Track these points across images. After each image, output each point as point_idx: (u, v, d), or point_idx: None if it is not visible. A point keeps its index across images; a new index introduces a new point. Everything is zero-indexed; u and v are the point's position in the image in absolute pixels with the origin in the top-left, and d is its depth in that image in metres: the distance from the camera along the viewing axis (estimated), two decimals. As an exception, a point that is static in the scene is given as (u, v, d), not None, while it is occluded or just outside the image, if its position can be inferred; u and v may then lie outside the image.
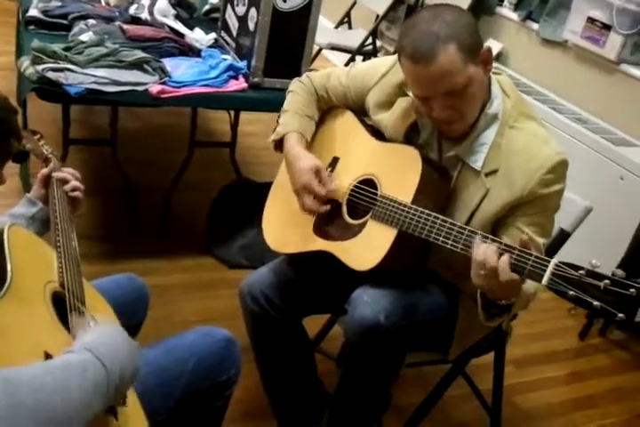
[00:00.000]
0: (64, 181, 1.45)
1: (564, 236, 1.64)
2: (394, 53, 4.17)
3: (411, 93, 1.50)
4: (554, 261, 1.14)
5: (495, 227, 1.47)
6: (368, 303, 1.46)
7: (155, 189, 2.87)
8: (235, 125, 3.04)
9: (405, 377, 1.91)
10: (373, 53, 4.26)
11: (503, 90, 1.47)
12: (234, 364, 1.37)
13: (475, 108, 1.42)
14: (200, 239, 2.73)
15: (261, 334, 1.76)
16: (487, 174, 1.44)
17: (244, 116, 3.13)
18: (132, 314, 1.44)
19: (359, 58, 4.33)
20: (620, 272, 1.05)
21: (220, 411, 1.41)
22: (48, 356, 0.93)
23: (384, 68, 1.61)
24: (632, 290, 1.05)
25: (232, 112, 3.02)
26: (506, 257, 1.23)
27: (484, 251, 1.26)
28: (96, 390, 0.84)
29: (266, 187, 2.66)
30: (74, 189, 1.46)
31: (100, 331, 0.96)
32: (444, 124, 1.44)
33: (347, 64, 4.24)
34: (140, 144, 3.31)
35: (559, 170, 1.42)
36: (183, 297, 2.41)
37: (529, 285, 1.32)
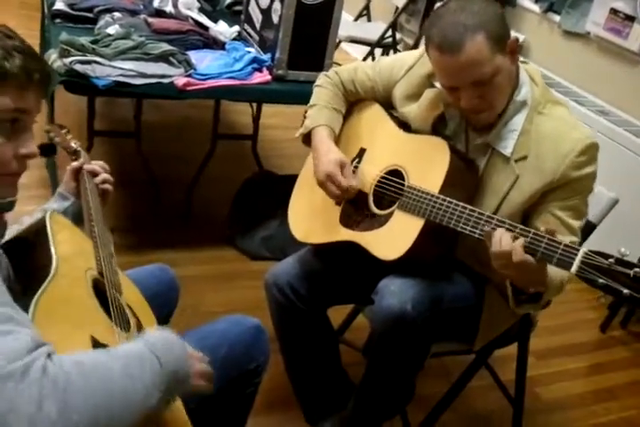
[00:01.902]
0: (94, 174, 1.47)
1: (590, 227, 1.64)
2: (414, 46, 4.17)
3: (438, 84, 1.51)
4: (583, 249, 1.15)
5: (528, 214, 1.48)
6: (395, 293, 1.47)
7: (177, 182, 2.90)
8: (257, 118, 3.06)
9: (427, 367, 1.92)
10: (393, 46, 4.26)
11: (531, 78, 1.48)
12: (263, 352, 1.40)
13: (503, 97, 1.43)
14: (222, 231, 2.76)
15: (287, 324, 1.78)
16: (517, 160, 1.45)
17: (264, 108, 3.16)
18: (163, 304, 1.47)
19: (378, 51, 4.33)
20: (650, 261, 1.06)
21: (250, 398, 1.43)
22: (95, 340, 0.96)
23: (411, 61, 1.62)
24: (662, 279, 1.06)
25: (254, 105, 3.04)
26: (520, 240, 1.24)
27: (499, 236, 1.27)
28: (153, 382, 0.86)
29: (287, 179, 2.68)
30: (104, 182, 1.48)
31: (158, 332, 0.98)
32: (471, 114, 1.45)
33: (366, 57, 4.25)
34: (163, 137, 3.33)
35: (590, 152, 1.42)
36: (206, 288, 2.44)
37: (556, 273, 1.33)
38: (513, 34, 1.40)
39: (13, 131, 0.97)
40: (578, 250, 1.16)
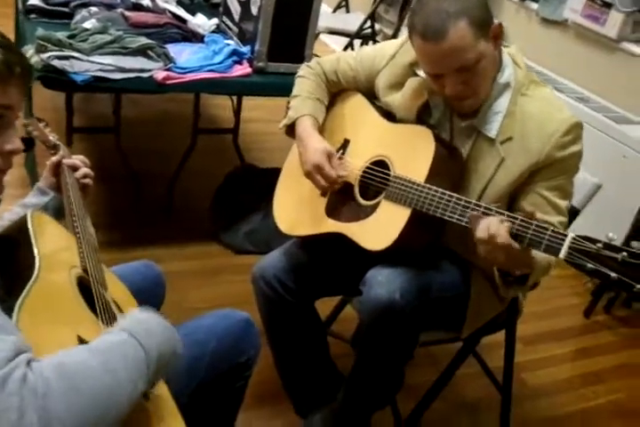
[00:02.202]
0: (74, 168, 1.45)
1: (573, 212, 1.65)
2: (393, 36, 4.17)
3: (421, 73, 1.51)
4: (571, 234, 1.16)
5: (515, 195, 1.48)
6: (383, 283, 1.47)
7: (158, 177, 2.87)
8: (238, 111, 3.04)
9: (415, 356, 1.92)
10: (372, 37, 4.26)
11: (514, 60, 1.49)
12: (253, 345, 1.39)
13: (487, 83, 1.43)
14: (205, 226, 2.74)
15: (275, 317, 1.78)
16: (502, 142, 1.45)
17: (244, 102, 3.14)
18: (149, 301, 1.44)
19: (357, 42, 4.32)
20: (637, 244, 1.07)
21: (240, 392, 1.42)
22: (81, 340, 0.94)
23: (392, 50, 1.61)
24: (650, 262, 1.07)
25: (234, 98, 3.02)
26: (505, 224, 1.25)
27: (486, 221, 1.28)
28: (138, 369, 0.85)
29: (269, 172, 2.68)
30: (84, 176, 1.46)
31: (136, 314, 0.97)
32: (456, 101, 1.46)
33: (345, 48, 4.23)
34: (142, 132, 3.30)
35: (575, 132, 1.43)
36: (191, 284, 2.42)
37: (542, 255, 1.34)
38: (493, 20, 1.40)
39: None
40: (566, 235, 1.16)
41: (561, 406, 2.18)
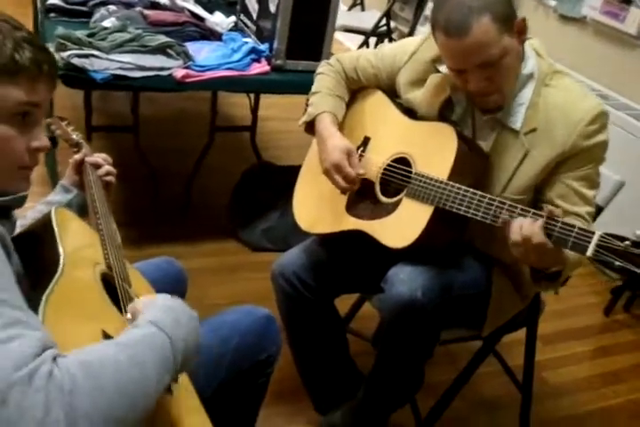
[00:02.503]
0: (97, 166, 1.46)
1: (596, 210, 1.63)
2: (409, 34, 4.15)
3: (443, 69, 1.50)
4: (598, 232, 1.15)
5: (540, 187, 1.47)
6: (405, 281, 1.46)
7: (176, 175, 2.89)
8: (255, 109, 3.04)
9: (433, 355, 1.92)
10: (387, 35, 4.24)
11: (536, 51, 1.48)
12: (274, 342, 1.39)
13: (511, 78, 1.42)
14: (223, 223, 2.75)
15: (294, 314, 1.78)
16: (526, 134, 1.44)
17: (260, 100, 3.14)
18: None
19: (372, 40, 4.31)
20: (665, 242, 1.06)
21: (262, 388, 1.43)
22: (106, 335, 0.95)
23: (413, 47, 1.61)
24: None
25: (252, 96, 3.02)
26: (539, 221, 1.24)
27: (519, 223, 1.27)
28: (165, 362, 0.85)
29: (286, 170, 2.68)
30: (107, 174, 1.47)
31: (161, 304, 0.96)
32: (480, 97, 1.45)
33: (360, 46, 4.22)
34: (160, 130, 3.31)
35: (600, 121, 1.42)
36: (209, 281, 2.43)
37: (572, 253, 1.32)
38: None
39: (25, 124, 0.96)
40: (593, 233, 1.15)
41: (581, 405, 2.17)
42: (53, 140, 1.52)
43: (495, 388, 2.14)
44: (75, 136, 1.55)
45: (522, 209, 1.30)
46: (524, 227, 1.26)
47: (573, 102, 1.43)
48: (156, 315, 0.91)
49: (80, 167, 1.44)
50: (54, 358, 0.76)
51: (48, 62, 0.96)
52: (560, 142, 1.42)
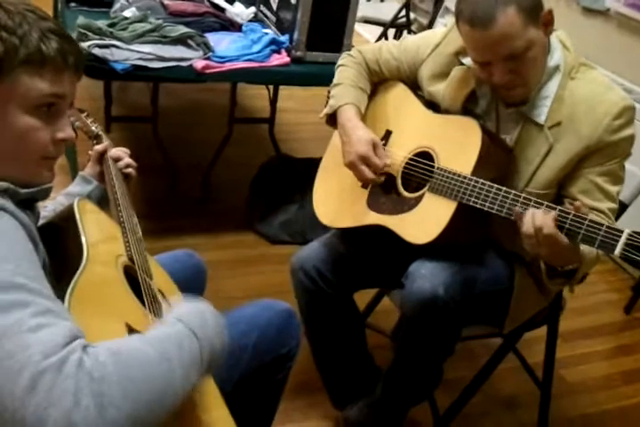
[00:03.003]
0: (117, 159, 1.46)
1: (621, 207, 1.61)
2: (428, 26, 4.10)
3: (466, 62, 1.48)
4: (627, 231, 1.13)
5: (563, 182, 1.45)
6: (426, 277, 1.45)
7: (195, 167, 2.88)
8: (274, 101, 3.03)
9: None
10: (407, 26, 4.20)
11: (562, 43, 1.45)
12: (294, 336, 1.38)
13: (537, 71, 1.39)
14: (240, 216, 2.74)
15: (313, 308, 1.77)
16: (551, 127, 1.42)
17: (279, 91, 3.12)
18: (190, 290, 1.45)
19: (391, 31, 4.27)
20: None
21: (281, 383, 1.42)
22: (130, 328, 0.94)
23: (436, 39, 1.58)
24: None
25: (271, 87, 3.01)
26: (551, 213, 1.23)
27: (531, 214, 1.27)
28: (192, 360, 0.84)
29: (305, 163, 2.67)
30: (127, 166, 1.46)
31: (188, 304, 0.96)
32: (504, 90, 1.42)
33: (379, 38, 4.20)
34: (178, 121, 3.31)
35: (626, 115, 1.39)
36: (227, 273, 2.42)
37: (589, 249, 1.31)
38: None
39: (50, 115, 0.96)
40: (622, 232, 1.13)
41: (600, 404, 2.14)
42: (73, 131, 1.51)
43: (513, 385, 2.12)
44: (94, 128, 1.55)
45: (535, 202, 1.29)
46: (536, 218, 1.25)
47: (599, 96, 1.40)
48: (184, 314, 0.91)
49: (101, 158, 1.44)
50: (84, 348, 0.76)
51: (74, 54, 0.95)
52: (585, 136, 1.39)
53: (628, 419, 2.11)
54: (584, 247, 1.30)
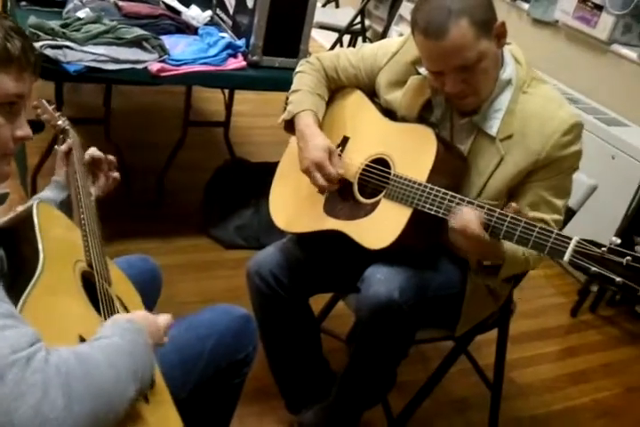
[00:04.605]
0: (99, 163, 1.43)
1: (569, 214, 1.66)
2: (383, 33, 4.14)
3: (423, 71, 1.51)
4: (575, 238, 1.16)
5: (512, 193, 1.49)
6: (382, 281, 1.47)
7: (148, 170, 2.85)
8: (229, 105, 3.02)
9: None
10: (361, 33, 4.24)
11: (515, 58, 1.49)
12: (251, 341, 1.39)
13: (488, 82, 1.43)
14: (195, 220, 2.72)
15: (268, 313, 1.77)
16: (502, 140, 1.46)
17: (234, 95, 3.11)
18: (146, 296, 1.43)
19: (346, 38, 4.30)
20: (642, 249, 1.08)
21: (238, 388, 1.42)
22: (82, 339, 0.93)
23: (394, 48, 1.61)
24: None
25: (226, 91, 2.99)
26: (478, 211, 1.32)
27: (462, 210, 1.35)
28: (132, 373, 0.87)
29: (260, 167, 2.67)
30: (109, 169, 1.45)
31: (123, 324, 0.97)
32: (456, 99, 1.45)
33: (334, 44, 4.21)
34: (131, 124, 3.26)
35: (574, 132, 1.44)
36: (181, 278, 2.40)
37: (516, 248, 1.37)
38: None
39: (11, 113, 0.96)
40: (570, 239, 1.17)
41: (548, 405, 2.20)
42: (39, 124, 1.47)
43: (464, 387, 2.16)
44: (61, 122, 1.49)
45: (468, 201, 1.35)
46: (464, 213, 1.32)
47: (550, 112, 1.44)
48: (116, 329, 0.94)
49: (68, 158, 1.40)
50: (47, 349, 0.79)
51: (34, 53, 0.96)
52: (534, 151, 1.43)
53: (575, 419, 2.18)
54: (509, 247, 1.38)
